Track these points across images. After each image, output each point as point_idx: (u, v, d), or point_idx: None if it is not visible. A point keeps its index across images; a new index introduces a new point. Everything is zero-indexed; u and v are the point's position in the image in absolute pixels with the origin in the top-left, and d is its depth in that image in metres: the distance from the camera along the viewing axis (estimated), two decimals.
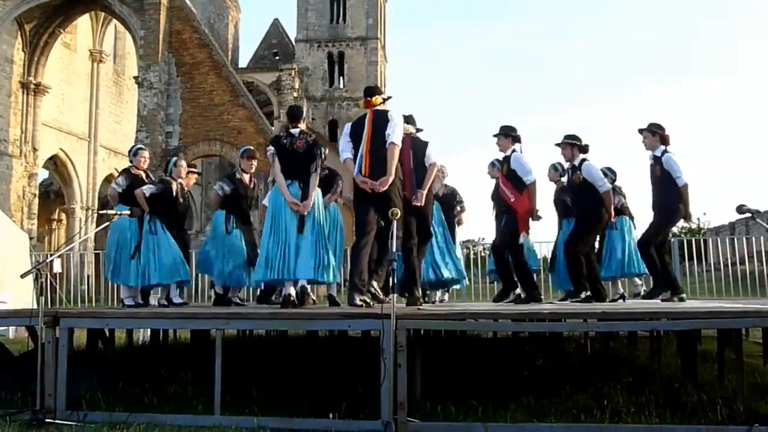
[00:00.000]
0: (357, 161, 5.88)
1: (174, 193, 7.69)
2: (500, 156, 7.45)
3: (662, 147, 7.04)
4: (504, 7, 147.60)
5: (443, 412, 4.72)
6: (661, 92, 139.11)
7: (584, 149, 7.30)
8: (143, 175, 7.72)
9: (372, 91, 6.09)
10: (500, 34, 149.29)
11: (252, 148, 8.34)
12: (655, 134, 7.08)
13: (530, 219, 7.11)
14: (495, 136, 7.31)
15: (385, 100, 6.13)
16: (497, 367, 6.99)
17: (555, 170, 8.65)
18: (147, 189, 7.46)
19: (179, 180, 7.83)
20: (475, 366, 6.87)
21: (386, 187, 5.73)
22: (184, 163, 8.15)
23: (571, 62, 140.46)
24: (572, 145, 7.31)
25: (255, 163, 7.94)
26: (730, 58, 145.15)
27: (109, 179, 28.17)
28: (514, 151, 7.20)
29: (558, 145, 7.45)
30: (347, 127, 6.22)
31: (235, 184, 7.68)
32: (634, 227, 8.99)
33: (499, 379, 5.96)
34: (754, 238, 15.07)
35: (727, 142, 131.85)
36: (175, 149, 23.01)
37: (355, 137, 5.99)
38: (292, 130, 6.29)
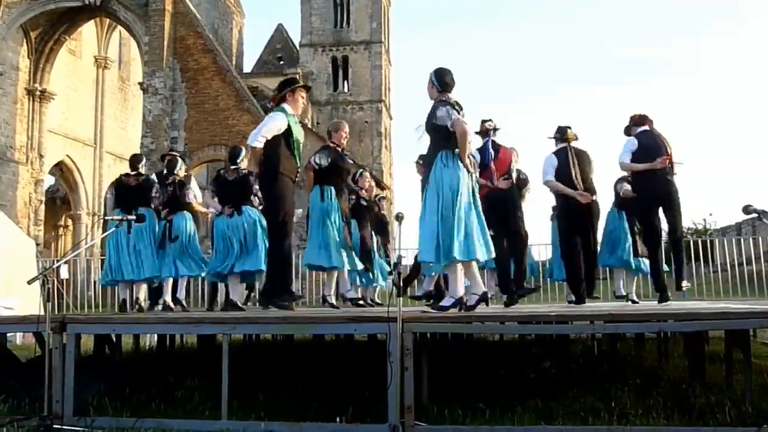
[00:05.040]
0: None
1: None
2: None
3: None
4: (508, 9, 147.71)
5: (450, 416, 4.70)
6: (663, 90, 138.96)
7: (559, 139, 7.17)
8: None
9: None
10: (503, 36, 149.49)
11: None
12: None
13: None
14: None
15: None
16: (504, 369, 6.97)
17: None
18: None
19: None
20: (482, 369, 6.85)
21: None
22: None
23: (574, 62, 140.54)
24: (553, 137, 7.25)
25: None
26: (734, 57, 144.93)
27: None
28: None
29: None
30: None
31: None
32: None
33: (506, 381, 5.94)
34: (760, 239, 15.07)
35: (734, 142, 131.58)
36: (181, 154, 23.06)
37: None
38: None
